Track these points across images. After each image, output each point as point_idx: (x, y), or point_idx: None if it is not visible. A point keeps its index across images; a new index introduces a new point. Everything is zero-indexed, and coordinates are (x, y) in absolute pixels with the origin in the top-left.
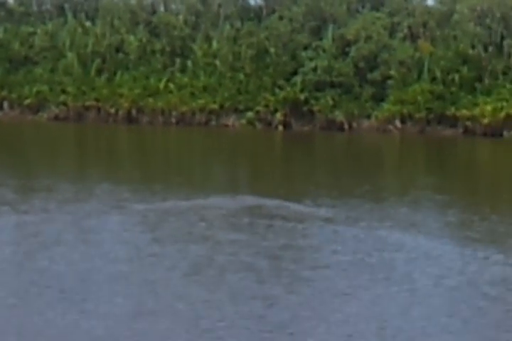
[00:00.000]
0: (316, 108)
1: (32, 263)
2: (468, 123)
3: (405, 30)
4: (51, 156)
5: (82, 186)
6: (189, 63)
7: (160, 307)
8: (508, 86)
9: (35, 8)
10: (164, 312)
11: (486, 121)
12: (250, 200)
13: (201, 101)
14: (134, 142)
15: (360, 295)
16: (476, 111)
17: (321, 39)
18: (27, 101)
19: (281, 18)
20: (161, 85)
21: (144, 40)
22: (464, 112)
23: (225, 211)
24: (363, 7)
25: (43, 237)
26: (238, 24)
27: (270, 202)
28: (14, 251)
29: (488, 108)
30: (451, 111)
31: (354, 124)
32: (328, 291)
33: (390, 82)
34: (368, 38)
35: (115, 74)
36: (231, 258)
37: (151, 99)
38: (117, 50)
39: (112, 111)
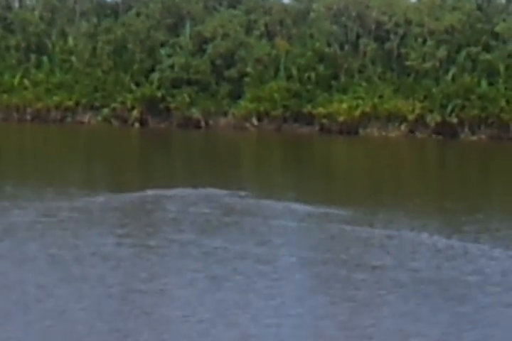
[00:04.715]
0: (172, 105)
1: None
2: (324, 120)
3: (262, 28)
4: None
5: None
6: (45, 59)
7: None
8: (363, 84)
9: None
10: None
11: (341, 118)
12: (106, 197)
13: (57, 98)
14: None
15: None
16: (332, 108)
17: (178, 36)
18: None
19: (138, 14)
20: (16, 81)
21: None
22: (320, 110)
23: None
24: (220, 5)
25: None
26: (95, 20)
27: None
28: None
29: (344, 106)
30: (307, 108)
31: (211, 122)
32: None
33: (246, 79)
34: (225, 35)
35: None
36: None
37: (5, 96)
38: None
39: None
